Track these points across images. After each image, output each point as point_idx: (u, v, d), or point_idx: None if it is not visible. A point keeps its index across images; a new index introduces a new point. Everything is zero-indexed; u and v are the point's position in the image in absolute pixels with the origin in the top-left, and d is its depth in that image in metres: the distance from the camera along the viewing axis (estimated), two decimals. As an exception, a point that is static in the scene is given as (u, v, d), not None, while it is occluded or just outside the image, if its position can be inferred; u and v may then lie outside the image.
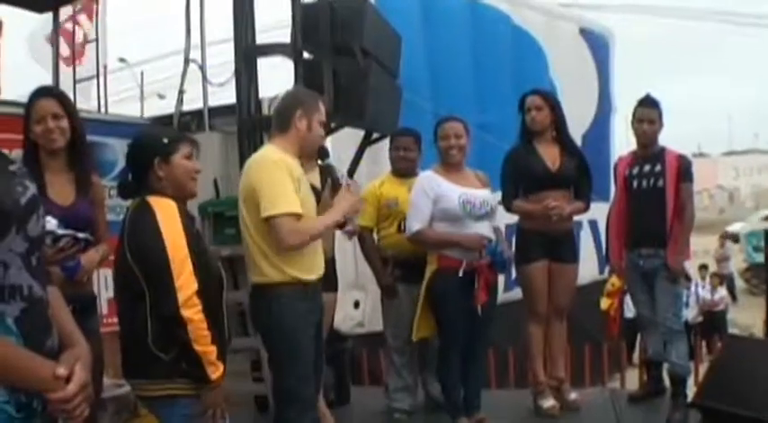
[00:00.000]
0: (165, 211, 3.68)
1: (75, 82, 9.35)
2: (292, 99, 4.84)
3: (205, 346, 3.61)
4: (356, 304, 9.57)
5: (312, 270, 4.64)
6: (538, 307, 6.21)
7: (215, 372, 3.68)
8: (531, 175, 6.15)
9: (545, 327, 6.33)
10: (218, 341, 3.68)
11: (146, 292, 3.65)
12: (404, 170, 6.40)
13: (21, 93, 5.59)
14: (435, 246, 5.65)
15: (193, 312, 3.56)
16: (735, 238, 30.90)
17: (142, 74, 16.97)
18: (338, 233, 5.52)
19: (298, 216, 4.40)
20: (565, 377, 6.49)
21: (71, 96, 7.49)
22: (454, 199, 5.55)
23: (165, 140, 3.86)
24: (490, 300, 5.65)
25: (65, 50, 10.14)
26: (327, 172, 4.95)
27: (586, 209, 6.37)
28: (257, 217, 4.43)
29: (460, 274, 5.45)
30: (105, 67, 10.96)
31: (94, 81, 10.09)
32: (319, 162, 5.26)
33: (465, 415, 5.74)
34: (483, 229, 5.59)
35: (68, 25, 10.68)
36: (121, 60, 22.89)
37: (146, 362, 3.69)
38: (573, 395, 6.37)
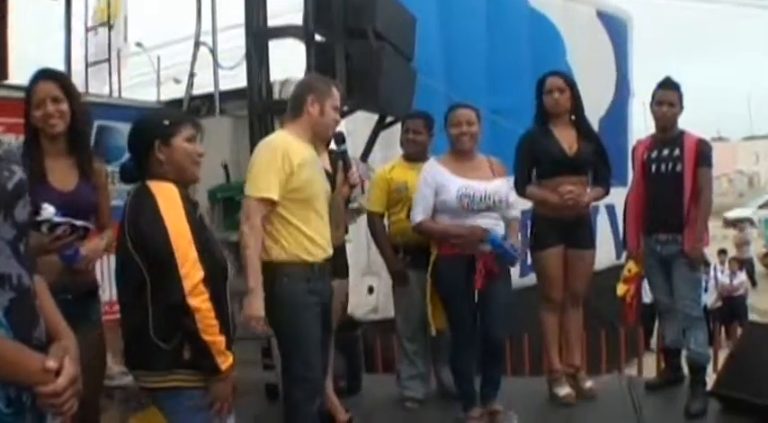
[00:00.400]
0: (166, 196, 3.57)
1: (87, 65, 9.31)
2: (304, 85, 4.88)
3: (214, 335, 3.52)
4: (370, 290, 9.52)
5: (316, 251, 4.64)
6: (552, 293, 6.11)
7: (224, 362, 3.58)
8: (548, 158, 6.02)
9: (560, 314, 6.23)
10: (224, 331, 3.59)
11: (147, 280, 3.54)
12: (414, 154, 6.28)
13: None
14: (436, 237, 5.60)
15: (200, 301, 3.46)
16: (733, 223, 30.74)
17: (159, 58, 16.93)
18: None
19: (268, 201, 4.48)
20: (581, 365, 6.39)
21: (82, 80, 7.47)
22: (452, 192, 5.45)
23: (166, 122, 3.73)
24: (501, 287, 5.56)
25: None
26: (339, 158, 4.97)
27: (606, 193, 6.28)
28: None
29: (458, 268, 5.46)
30: (119, 51, 10.88)
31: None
32: (334, 148, 5.20)
33: (480, 404, 5.66)
34: (485, 222, 5.46)
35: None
36: (138, 45, 22.81)
37: (147, 352, 3.59)
38: (589, 383, 6.26)
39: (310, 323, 4.59)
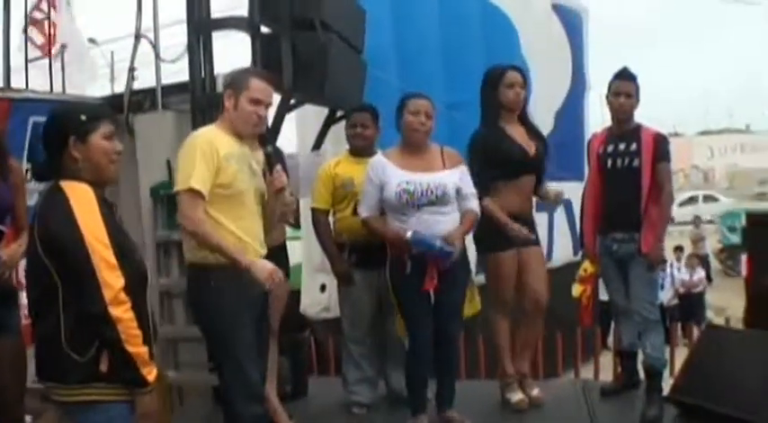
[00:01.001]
0: (80, 197, 3.32)
1: (26, 60, 9.07)
2: (225, 78, 4.85)
3: (137, 346, 3.31)
4: (322, 288, 9.29)
5: (247, 252, 4.44)
6: (506, 296, 5.90)
7: (150, 373, 3.39)
8: (509, 160, 5.80)
9: (520, 319, 6.02)
10: (146, 341, 3.37)
11: (58, 286, 3.30)
12: (360, 148, 6.06)
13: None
14: (376, 234, 5.43)
15: (122, 311, 3.25)
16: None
17: (112, 53, 16.88)
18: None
19: (196, 192, 4.30)
20: (528, 372, 6.19)
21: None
22: (392, 187, 5.23)
23: (83, 118, 3.47)
24: (455, 286, 5.38)
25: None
26: (269, 156, 4.79)
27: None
28: None
29: (408, 270, 5.23)
30: (63, 47, 10.67)
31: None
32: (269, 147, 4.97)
33: (436, 411, 5.54)
34: (429, 218, 5.23)
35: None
36: (91, 41, 22.73)
37: (59, 364, 3.35)
38: (535, 391, 6.06)
39: (241, 327, 4.42)
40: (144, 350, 3.35)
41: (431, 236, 5.12)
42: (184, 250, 4.66)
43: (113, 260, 3.27)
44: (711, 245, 28.03)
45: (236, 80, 4.62)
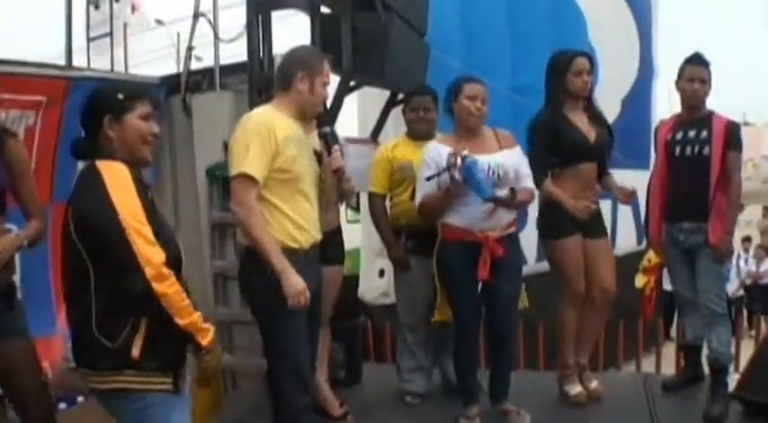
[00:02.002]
0: (115, 176, 3.26)
1: (88, 39, 9.11)
2: (294, 58, 4.57)
3: (189, 316, 3.32)
4: (381, 273, 9.20)
5: (303, 238, 4.39)
6: (577, 285, 5.67)
7: (205, 337, 3.41)
8: (570, 146, 5.62)
9: (586, 309, 5.79)
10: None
11: (89, 269, 3.24)
12: (423, 132, 5.89)
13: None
14: (433, 211, 5.22)
15: (167, 286, 3.22)
16: None
17: (178, 35, 17.00)
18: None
19: (249, 178, 4.18)
20: (587, 364, 6.01)
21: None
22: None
23: (120, 96, 3.41)
24: (509, 275, 5.21)
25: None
26: (327, 138, 4.65)
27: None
28: None
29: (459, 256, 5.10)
30: (125, 25, 10.72)
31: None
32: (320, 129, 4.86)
33: (490, 403, 5.43)
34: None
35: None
36: (158, 21, 23.00)
37: (91, 350, 3.31)
38: (594, 383, 5.89)
39: (290, 314, 4.28)
40: (196, 317, 3.35)
41: (484, 174, 4.92)
42: (238, 233, 4.57)
43: (151, 236, 3.22)
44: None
45: (309, 62, 4.49)
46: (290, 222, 4.32)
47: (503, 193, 4.96)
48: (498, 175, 5.07)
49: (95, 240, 3.22)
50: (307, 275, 4.30)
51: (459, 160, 4.82)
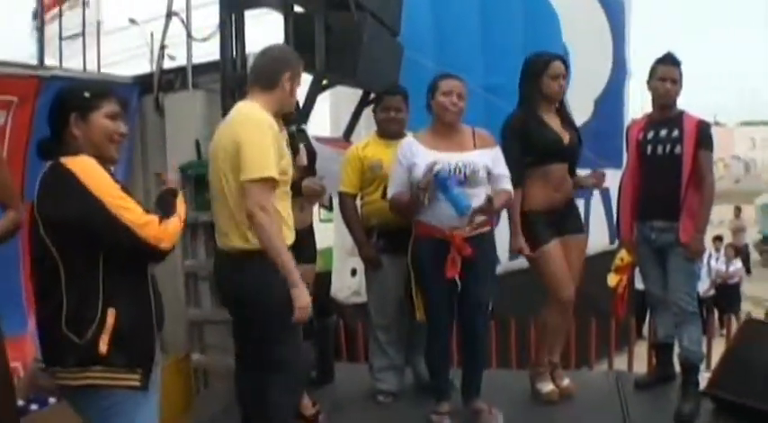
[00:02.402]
0: (83, 167, 3.25)
1: (60, 39, 9.09)
2: (281, 58, 4.52)
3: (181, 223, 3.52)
4: (353, 272, 9.20)
5: (289, 237, 4.38)
6: (566, 292, 5.66)
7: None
8: (545, 146, 5.64)
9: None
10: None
11: (59, 266, 3.23)
12: (394, 132, 5.91)
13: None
14: (402, 209, 5.25)
15: (169, 242, 3.36)
16: None
17: (152, 34, 16.99)
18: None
19: (272, 182, 4.13)
20: (559, 362, 6.04)
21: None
22: (422, 168, 5.00)
23: (87, 95, 3.40)
24: (481, 274, 5.19)
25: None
26: (299, 138, 4.76)
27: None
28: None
29: (428, 254, 5.12)
30: (99, 24, 10.69)
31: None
32: (292, 127, 4.86)
33: (464, 401, 5.44)
34: None
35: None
36: (131, 21, 22.92)
37: (59, 346, 3.29)
38: (566, 381, 5.94)
39: (298, 327, 4.35)
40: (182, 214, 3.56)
41: (458, 183, 4.94)
42: (229, 236, 4.37)
43: (135, 205, 3.26)
44: (751, 235, 27.77)
45: (294, 63, 4.49)
46: (286, 226, 4.34)
47: (480, 200, 4.98)
48: (465, 173, 5.06)
49: (76, 234, 3.20)
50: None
51: (431, 178, 4.87)
